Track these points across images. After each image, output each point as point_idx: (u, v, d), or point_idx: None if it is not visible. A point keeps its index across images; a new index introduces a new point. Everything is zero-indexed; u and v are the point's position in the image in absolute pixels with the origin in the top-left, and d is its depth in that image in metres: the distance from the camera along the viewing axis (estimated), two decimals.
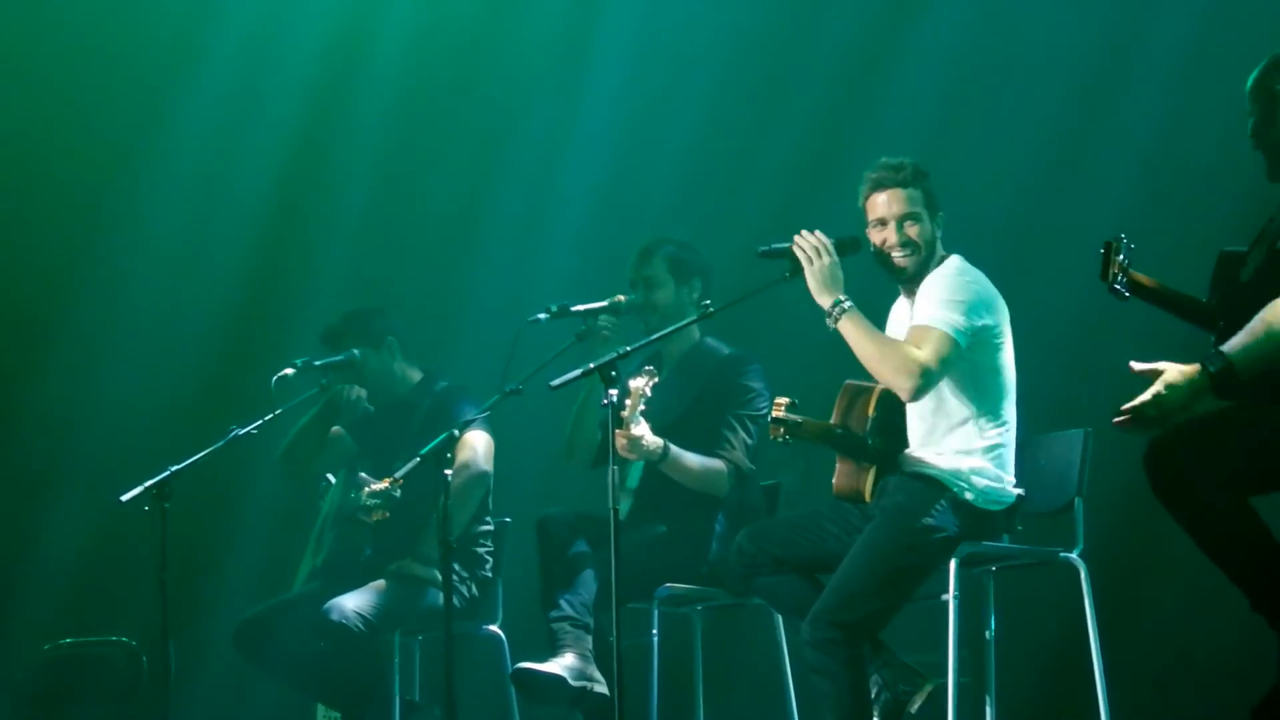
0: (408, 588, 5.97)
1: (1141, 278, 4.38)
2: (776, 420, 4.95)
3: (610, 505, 4.67)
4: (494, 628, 6.16)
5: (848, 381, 5.12)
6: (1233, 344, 3.97)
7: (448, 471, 5.08)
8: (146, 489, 5.54)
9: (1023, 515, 5.10)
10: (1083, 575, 5.13)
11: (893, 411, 5.05)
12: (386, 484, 5.49)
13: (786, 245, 5.01)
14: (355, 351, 6.19)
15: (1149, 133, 6.84)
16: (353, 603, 5.85)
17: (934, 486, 4.92)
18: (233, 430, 5.77)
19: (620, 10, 7.77)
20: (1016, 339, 5.06)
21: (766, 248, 5.07)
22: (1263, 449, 4.04)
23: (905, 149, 5.24)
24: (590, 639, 5.47)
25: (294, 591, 6.28)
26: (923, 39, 7.31)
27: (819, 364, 6.01)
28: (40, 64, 7.91)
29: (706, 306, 5.35)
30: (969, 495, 4.93)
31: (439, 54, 7.98)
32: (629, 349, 5.00)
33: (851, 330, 4.90)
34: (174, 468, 5.58)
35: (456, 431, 5.19)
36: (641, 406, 5.37)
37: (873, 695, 4.92)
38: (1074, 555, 5.16)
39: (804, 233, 4.98)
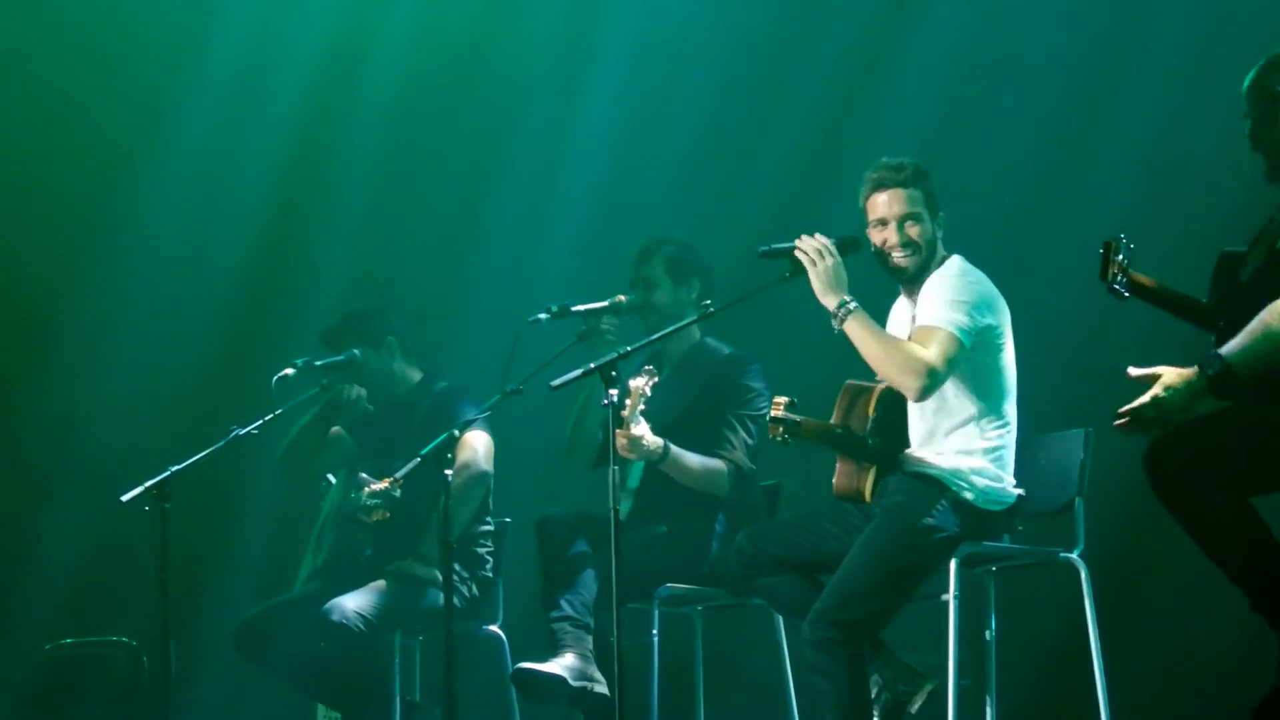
0: (408, 588, 5.97)
1: (1141, 278, 4.38)
2: (776, 420, 4.95)
3: (611, 505, 4.67)
4: (494, 628, 6.16)
5: (848, 381, 5.11)
6: (1231, 346, 3.97)
7: (448, 472, 5.08)
8: (147, 489, 5.54)
9: (1023, 515, 5.10)
10: (1083, 575, 5.12)
11: (893, 411, 5.04)
12: (387, 484, 5.49)
13: (787, 245, 5.00)
14: (355, 351, 6.19)
15: (1149, 133, 6.83)
16: (353, 603, 5.85)
17: (934, 486, 4.92)
18: (233, 430, 5.77)
19: (620, 10, 7.76)
20: (1017, 339, 5.05)
21: (767, 248, 5.07)
22: (1262, 449, 4.05)
23: (905, 149, 5.23)
24: (591, 639, 5.47)
25: (294, 592, 6.28)
26: (923, 39, 7.30)
27: (819, 364, 6.01)
28: (40, 64, 7.90)
29: (706, 306, 5.34)
30: (969, 495, 4.93)
31: (439, 54, 7.98)
32: (629, 349, 4.99)
33: (857, 330, 4.89)
34: (174, 468, 5.58)
35: (457, 432, 5.19)
36: (642, 406, 5.37)
37: (873, 695, 4.91)
38: (1074, 555, 5.16)
39: (805, 236, 4.98)
